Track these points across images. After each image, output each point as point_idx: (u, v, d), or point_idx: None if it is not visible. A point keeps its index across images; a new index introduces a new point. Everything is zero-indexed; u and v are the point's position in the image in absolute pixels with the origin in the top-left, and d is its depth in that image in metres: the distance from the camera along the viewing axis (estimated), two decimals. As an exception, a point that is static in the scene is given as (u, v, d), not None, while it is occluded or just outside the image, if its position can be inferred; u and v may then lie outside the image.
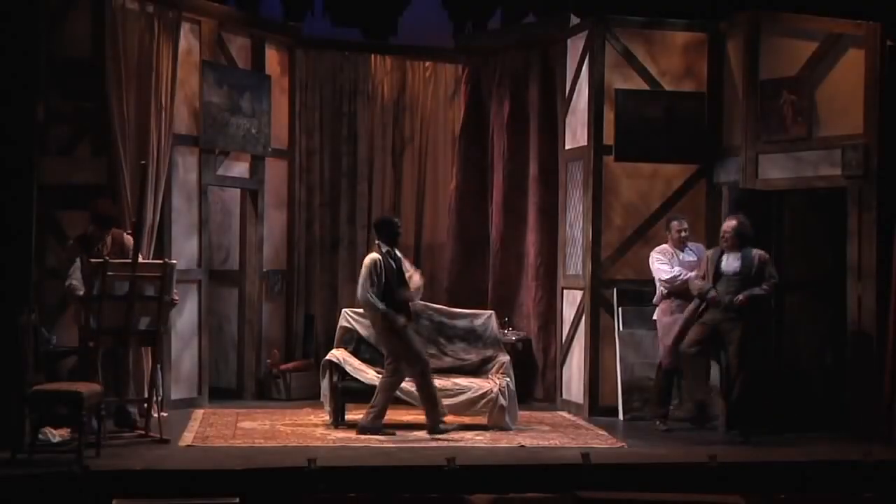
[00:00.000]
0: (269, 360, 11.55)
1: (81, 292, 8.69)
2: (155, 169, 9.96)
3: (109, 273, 8.65)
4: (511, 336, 11.40)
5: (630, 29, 10.76)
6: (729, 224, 9.59)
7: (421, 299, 10.80)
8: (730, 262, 9.53)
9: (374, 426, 9.30)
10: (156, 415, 9.06)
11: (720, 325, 9.48)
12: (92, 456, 7.91)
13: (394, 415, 9.92)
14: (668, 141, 10.72)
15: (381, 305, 9.30)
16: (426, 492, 7.09)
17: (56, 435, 8.55)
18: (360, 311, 9.99)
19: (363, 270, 9.41)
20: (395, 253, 9.55)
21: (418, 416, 10.06)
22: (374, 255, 9.47)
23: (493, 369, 9.96)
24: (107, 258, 8.72)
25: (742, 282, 9.44)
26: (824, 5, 9.92)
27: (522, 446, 8.92)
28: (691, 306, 9.70)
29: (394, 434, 9.31)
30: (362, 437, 9.18)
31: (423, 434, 9.36)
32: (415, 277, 9.72)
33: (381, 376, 9.52)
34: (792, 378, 10.01)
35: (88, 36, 9.89)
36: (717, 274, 9.53)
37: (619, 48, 10.69)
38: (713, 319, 9.52)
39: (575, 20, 11.23)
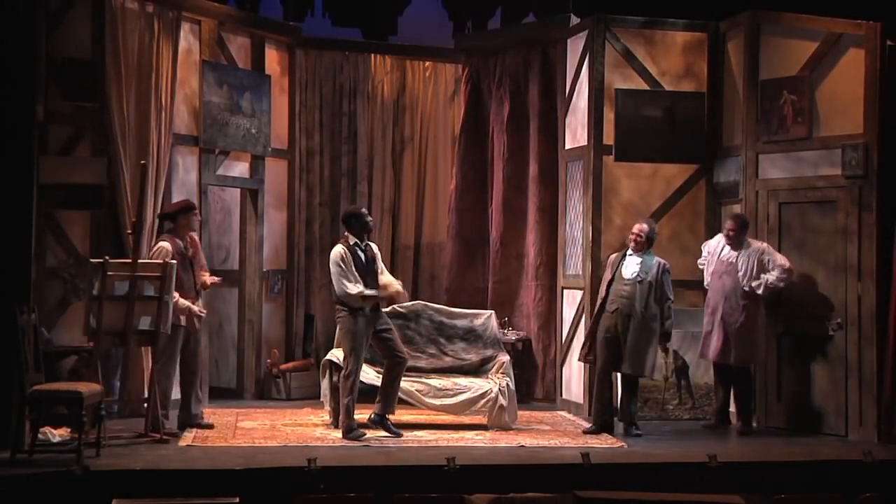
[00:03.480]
0: (269, 360, 11.55)
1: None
2: (155, 169, 9.97)
3: (109, 273, 8.66)
4: (511, 336, 11.40)
5: (630, 29, 10.76)
6: (640, 227, 9.69)
7: (421, 299, 10.83)
8: (629, 266, 9.60)
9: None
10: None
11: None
12: (92, 456, 7.91)
13: (394, 414, 9.91)
14: (668, 141, 10.72)
15: (364, 290, 9.07)
16: (426, 492, 7.07)
17: (56, 435, 8.54)
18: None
19: (332, 266, 9.20)
20: (364, 246, 9.33)
21: (418, 416, 10.08)
22: (339, 247, 9.25)
23: (493, 369, 9.96)
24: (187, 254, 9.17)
25: (639, 286, 9.52)
26: (824, 5, 9.92)
27: (522, 446, 8.92)
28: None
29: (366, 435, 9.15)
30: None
31: (423, 434, 9.37)
32: (394, 284, 9.41)
33: (381, 375, 9.48)
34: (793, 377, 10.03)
35: (88, 36, 9.91)
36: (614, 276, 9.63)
37: (619, 48, 10.69)
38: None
39: (575, 20, 11.24)
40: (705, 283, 10.17)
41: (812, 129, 9.93)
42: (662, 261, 9.69)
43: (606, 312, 9.61)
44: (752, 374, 10.00)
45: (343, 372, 9.25)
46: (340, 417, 9.25)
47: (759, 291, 9.76)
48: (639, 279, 9.54)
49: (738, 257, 9.84)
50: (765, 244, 9.89)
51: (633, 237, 9.70)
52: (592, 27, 10.72)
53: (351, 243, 9.27)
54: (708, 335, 10.00)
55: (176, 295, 9.03)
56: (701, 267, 10.24)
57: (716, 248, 10.05)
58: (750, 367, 9.96)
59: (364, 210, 9.65)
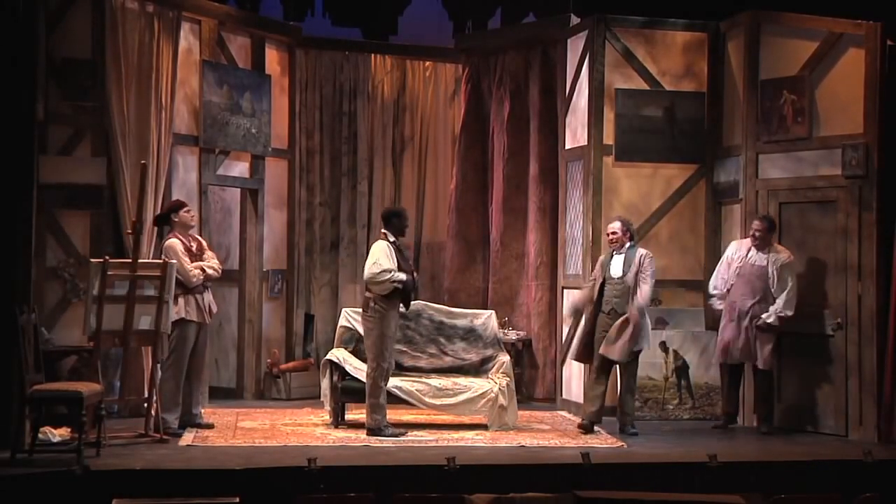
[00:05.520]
0: (269, 360, 11.55)
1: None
2: (155, 169, 9.97)
3: (109, 273, 8.66)
4: (511, 336, 11.41)
5: (630, 29, 10.76)
6: (611, 227, 9.72)
7: (421, 299, 10.81)
8: (615, 266, 9.62)
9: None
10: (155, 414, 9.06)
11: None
12: (92, 456, 7.91)
13: (394, 414, 9.92)
14: (668, 141, 10.72)
15: (401, 275, 9.13)
16: (426, 492, 7.07)
17: (56, 435, 8.54)
18: (361, 310, 9.97)
19: (375, 254, 9.20)
20: (399, 245, 9.37)
21: (418, 416, 10.08)
22: (383, 243, 9.27)
23: (493, 369, 9.96)
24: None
25: (625, 284, 9.56)
26: (824, 5, 9.92)
27: (522, 446, 8.91)
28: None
29: (405, 433, 9.26)
30: (362, 437, 9.16)
31: (423, 434, 9.36)
32: None
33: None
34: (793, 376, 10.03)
35: (88, 36, 9.91)
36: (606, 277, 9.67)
37: (619, 48, 10.69)
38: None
39: (575, 20, 11.25)
40: (724, 287, 9.97)
41: (812, 129, 9.93)
42: (644, 251, 9.69)
43: (602, 314, 9.63)
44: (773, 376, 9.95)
45: None
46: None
47: (770, 321, 9.67)
48: (624, 278, 9.55)
49: (767, 262, 9.73)
50: (790, 258, 9.74)
51: (608, 238, 9.72)
52: (592, 27, 10.72)
53: (391, 240, 9.30)
54: (733, 336, 9.81)
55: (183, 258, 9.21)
56: (714, 302, 10.12)
57: (737, 252, 9.92)
58: (773, 370, 9.90)
59: (405, 209, 9.78)
